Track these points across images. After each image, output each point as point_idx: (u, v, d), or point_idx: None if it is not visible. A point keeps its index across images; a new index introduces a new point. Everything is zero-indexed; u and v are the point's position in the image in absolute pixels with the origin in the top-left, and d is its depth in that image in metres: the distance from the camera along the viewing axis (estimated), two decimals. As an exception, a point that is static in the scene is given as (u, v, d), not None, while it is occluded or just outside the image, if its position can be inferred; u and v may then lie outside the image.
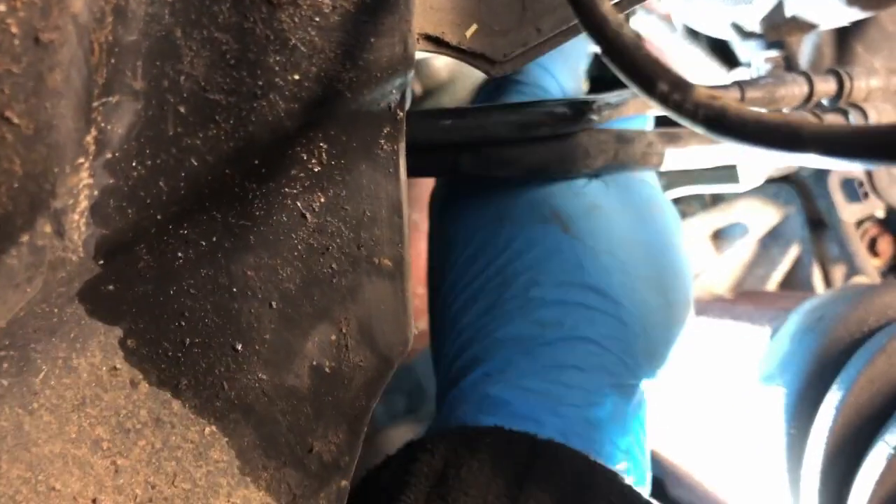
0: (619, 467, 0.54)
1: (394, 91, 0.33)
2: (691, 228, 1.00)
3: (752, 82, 0.75)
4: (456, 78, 1.01)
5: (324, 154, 0.34)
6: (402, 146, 0.34)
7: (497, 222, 0.58)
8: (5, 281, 0.30)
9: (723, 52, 1.01)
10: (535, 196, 0.59)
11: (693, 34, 1.03)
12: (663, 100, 0.27)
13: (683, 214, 1.04)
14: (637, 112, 0.68)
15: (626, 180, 0.62)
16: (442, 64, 1.02)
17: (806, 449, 0.64)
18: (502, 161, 0.58)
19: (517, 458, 0.47)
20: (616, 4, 0.47)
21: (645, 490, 0.57)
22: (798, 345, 0.69)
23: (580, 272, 0.56)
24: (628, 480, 0.48)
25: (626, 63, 0.27)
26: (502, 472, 0.46)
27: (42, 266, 0.30)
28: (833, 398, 0.63)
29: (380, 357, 0.36)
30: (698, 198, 1.05)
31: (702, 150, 0.70)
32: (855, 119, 0.81)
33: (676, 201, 1.04)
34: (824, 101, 0.81)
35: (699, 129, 0.26)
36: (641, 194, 0.63)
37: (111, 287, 0.33)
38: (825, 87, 0.76)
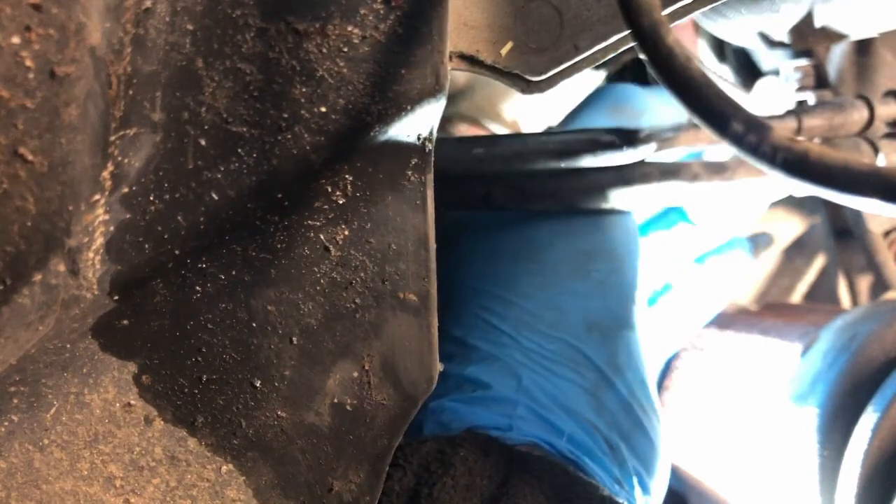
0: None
1: (423, 123, 0.32)
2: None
3: (809, 110, 0.72)
4: (475, 84, 0.99)
5: (349, 186, 0.32)
6: (431, 178, 0.33)
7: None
8: (17, 321, 0.28)
9: (747, 65, 0.99)
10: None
11: (719, 49, 1.00)
12: (737, 140, 0.25)
13: (707, 222, 1.02)
14: (688, 144, 0.65)
15: None
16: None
17: (840, 471, 0.62)
18: (537, 193, 0.55)
19: (494, 469, 0.46)
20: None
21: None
22: (831, 364, 0.67)
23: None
24: (605, 492, 0.47)
25: (695, 100, 0.26)
26: (476, 488, 0.45)
27: (55, 305, 0.28)
28: (868, 420, 0.61)
29: (403, 395, 0.35)
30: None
31: (751, 182, 0.66)
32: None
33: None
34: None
35: (777, 174, 0.25)
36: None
37: (126, 322, 0.32)
38: (886, 111, 0.72)
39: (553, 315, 0.55)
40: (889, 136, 0.73)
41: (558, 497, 0.46)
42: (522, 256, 0.57)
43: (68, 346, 0.31)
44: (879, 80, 0.91)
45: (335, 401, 0.34)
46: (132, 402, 0.33)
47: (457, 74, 0.99)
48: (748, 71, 0.95)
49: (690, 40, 0.98)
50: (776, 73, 0.90)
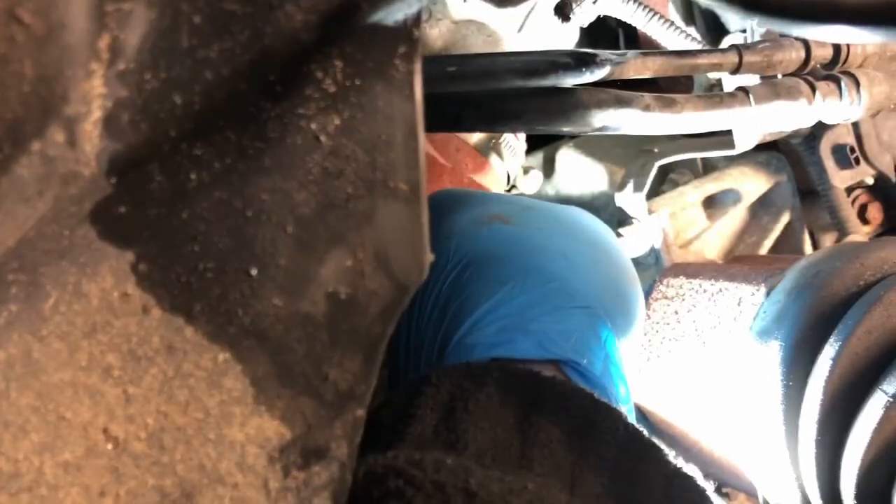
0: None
1: (410, 9, 0.33)
2: (683, 196, 1.00)
3: (750, 46, 0.76)
4: (450, 48, 1.01)
5: (339, 73, 0.33)
6: (419, 67, 0.34)
7: (446, 240, 0.61)
8: (16, 194, 0.29)
9: (715, 26, 1.01)
10: (474, 211, 0.62)
11: (687, 11, 1.02)
12: None
13: (675, 183, 1.04)
14: (637, 71, 0.68)
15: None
16: (437, 34, 1.01)
17: (803, 401, 0.64)
18: (505, 114, 0.58)
19: (524, 393, 0.47)
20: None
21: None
22: (794, 300, 0.69)
23: (526, 241, 0.59)
24: (630, 417, 0.48)
25: None
26: (510, 406, 0.46)
27: (53, 178, 0.29)
28: (830, 350, 0.64)
29: (396, 283, 0.36)
30: (690, 166, 1.05)
31: (698, 116, 0.70)
32: (847, 86, 0.81)
33: (668, 169, 1.04)
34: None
35: (739, 13, 0.26)
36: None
37: (123, 209, 0.32)
38: (822, 52, 0.76)
39: None
40: (826, 77, 0.77)
41: (584, 417, 0.46)
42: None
43: (66, 232, 0.32)
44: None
45: (329, 289, 0.35)
46: (129, 291, 0.34)
47: (434, 39, 1.00)
48: (717, 30, 0.97)
49: (661, 1, 1.00)
50: (743, 31, 0.93)
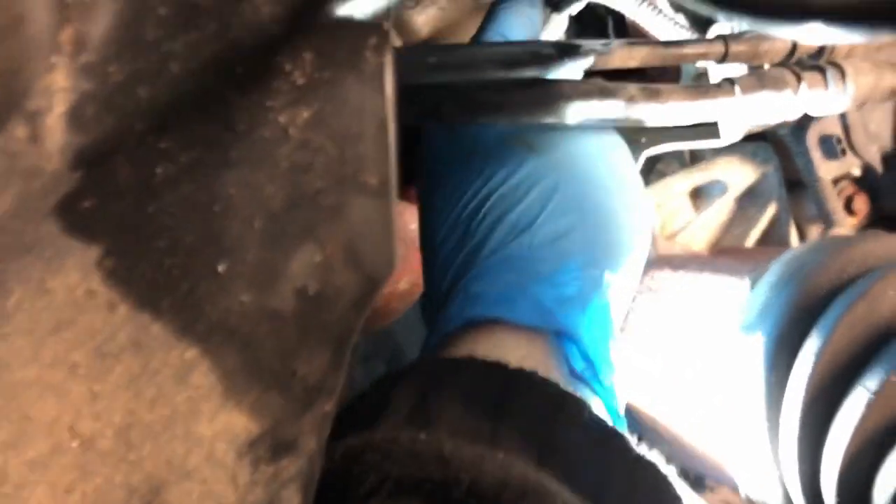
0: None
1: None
2: (670, 187, 1.00)
3: (737, 36, 0.75)
4: (438, 34, 1.00)
5: (308, 66, 0.32)
6: (390, 60, 0.33)
7: (469, 156, 0.62)
8: (-23, 189, 0.28)
9: (704, 16, 1.00)
10: (501, 130, 0.62)
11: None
12: None
13: (662, 173, 1.04)
14: (623, 61, 0.68)
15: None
16: (423, 21, 1.01)
17: (785, 396, 0.64)
18: (487, 106, 0.57)
19: (494, 383, 0.48)
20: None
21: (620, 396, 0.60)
22: (778, 293, 0.69)
23: (543, 179, 0.60)
24: (596, 407, 0.50)
25: None
26: (481, 395, 0.47)
27: (15, 174, 0.29)
28: (812, 345, 0.64)
29: (365, 278, 0.35)
30: (677, 156, 1.04)
31: (682, 106, 0.69)
32: (832, 77, 0.81)
33: (655, 159, 1.04)
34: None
35: (710, 10, 0.26)
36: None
37: (88, 203, 0.32)
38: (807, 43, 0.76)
39: None
40: (812, 67, 0.76)
41: (552, 406, 0.48)
42: None
43: (30, 227, 0.31)
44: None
45: (298, 285, 0.35)
46: (95, 287, 0.33)
47: (420, 27, 0.99)
48: (704, 20, 0.97)
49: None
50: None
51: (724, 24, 0.90)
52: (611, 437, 0.47)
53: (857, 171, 1.02)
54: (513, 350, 0.54)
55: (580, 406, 0.48)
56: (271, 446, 0.35)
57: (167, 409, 0.35)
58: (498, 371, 0.49)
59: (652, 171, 1.06)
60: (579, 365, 0.57)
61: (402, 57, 0.51)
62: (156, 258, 0.34)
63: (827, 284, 0.67)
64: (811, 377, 0.62)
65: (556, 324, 0.56)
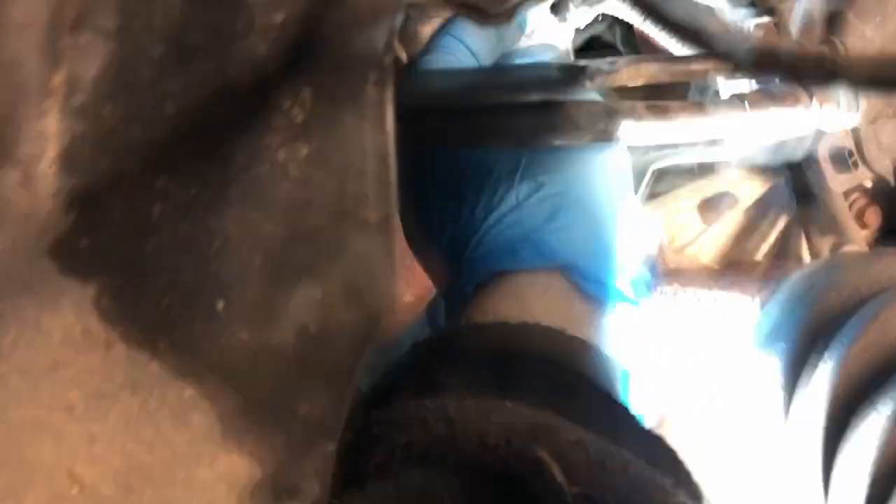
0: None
1: (381, 35, 0.32)
2: (678, 199, 0.99)
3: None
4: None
5: (307, 102, 0.32)
6: (391, 95, 0.33)
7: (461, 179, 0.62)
8: (-30, 236, 0.28)
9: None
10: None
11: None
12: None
13: (671, 184, 1.03)
14: (630, 79, 0.67)
15: None
16: (429, 31, 1.00)
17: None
18: (491, 129, 0.56)
19: (496, 342, 0.48)
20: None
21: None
22: (789, 314, 0.68)
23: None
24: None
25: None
26: (484, 356, 0.47)
27: (9, 219, 0.28)
28: (825, 369, 0.63)
29: (366, 315, 0.35)
30: (686, 167, 1.03)
31: (691, 123, 0.69)
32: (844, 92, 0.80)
33: (664, 170, 1.03)
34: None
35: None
36: None
37: (84, 243, 0.31)
38: (819, 55, 0.75)
39: None
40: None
41: (558, 351, 0.48)
42: None
43: (25, 267, 0.31)
44: (842, 37, 0.92)
45: (299, 323, 0.34)
46: (92, 326, 0.33)
47: (426, 36, 0.99)
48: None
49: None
50: (739, 32, 0.91)
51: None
52: (616, 378, 0.49)
53: (868, 184, 1.01)
54: (528, 291, 0.55)
55: (588, 350, 0.49)
56: (273, 491, 0.34)
57: (167, 451, 0.34)
58: (499, 329, 0.50)
59: (660, 181, 1.05)
60: (590, 288, 0.57)
61: (405, 81, 0.50)
62: (153, 296, 0.33)
63: (839, 305, 0.66)
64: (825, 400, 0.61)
65: (561, 260, 0.57)
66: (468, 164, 0.61)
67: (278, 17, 0.30)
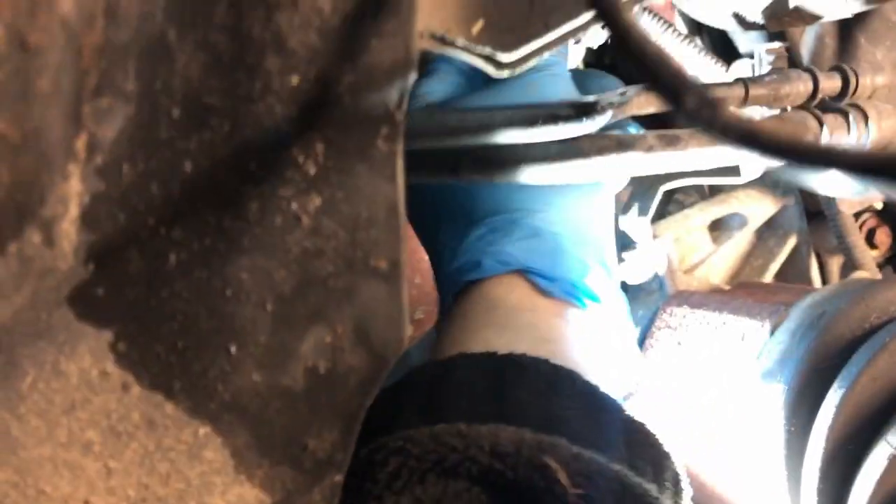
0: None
1: (394, 93, 0.33)
2: (688, 220, 0.99)
3: (757, 79, 0.74)
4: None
5: (320, 156, 0.33)
6: (401, 148, 0.34)
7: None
8: (-7, 292, 0.29)
9: (724, 44, 1.00)
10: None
11: (695, 26, 1.01)
12: (691, 116, 0.26)
13: (680, 204, 1.04)
14: (641, 108, 0.67)
15: None
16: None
17: (806, 448, 0.64)
18: (504, 164, 0.57)
19: (488, 371, 0.51)
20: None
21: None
22: (798, 341, 0.68)
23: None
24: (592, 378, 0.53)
25: (652, 74, 0.27)
26: (479, 384, 0.50)
27: (31, 275, 0.29)
28: (834, 397, 0.63)
29: (375, 357, 0.36)
30: (696, 188, 1.04)
31: (702, 152, 0.69)
32: (855, 120, 0.80)
33: (674, 191, 1.04)
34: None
35: (731, 145, 0.26)
36: None
37: (101, 291, 0.33)
38: (830, 84, 0.75)
39: None
40: (834, 110, 0.75)
41: (547, 382, 0.51)
42: None
43: (44, 315, 0.32)
44: (852, 62, 0.93)
45: (309, 364, 0.35)
46: (108, 369, 0.34)
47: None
48: (725, 51, 0.96)
49: (667, 15, 0.99)
50: (751, 57, 0.92)
51: (744, 62, 0.90)
52: (604, 400, 0.51)
53: (879, 205, 1.01)
54: (492, 294, 0.62)
55: (571, 377, 0.52)
56: (283, 520, 0.36)
57: (181, 483, 0.36)
58: (489, 360, 0.53)
59: (670, 201, 1.06)
60: (547, 285, 0.63)
61: (417, 117, 0.51)
62: (169, 340, 0.34)
63: (848, 334, 0.66)
64: (832, 431, 0.62)
65: (518, 263, 0.63)
66: (439, 193, 0.68)
67: (293, 80, 0.31)
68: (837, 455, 0.62)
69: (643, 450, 0.49)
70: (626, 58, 0.28)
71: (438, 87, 0.70)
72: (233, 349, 0.35)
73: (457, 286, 0.65)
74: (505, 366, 0.52)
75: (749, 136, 0.25)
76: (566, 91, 0.71)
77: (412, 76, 0.32)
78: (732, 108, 0.26)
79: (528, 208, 0.66)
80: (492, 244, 0.64)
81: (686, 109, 0.26)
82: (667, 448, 0.50)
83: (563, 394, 0.50)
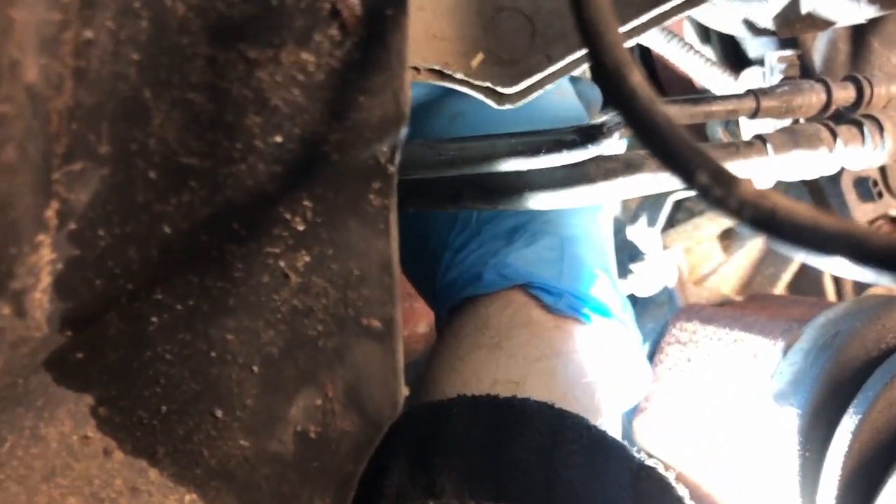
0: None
1: (385, 147, 0.31)
2: (699, 228, 0.97)
3: (768, 91, 0.72)
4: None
5: (308, 212, 0.31)
6: (394, 201, 0.32)
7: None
8: (-37, 362, 0.28)
9: (734, 51, 0.98)
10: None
11: (704, 33, 0.99)
12: (703, 192, 0.24)
13: (690, 211, 1.01)
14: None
15: None
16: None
17: (821, 474, 0.62)
18: (507, 192, 0.55)
19: (487, 418, 0.48)
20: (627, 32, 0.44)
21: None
22: (812, 363, 0.66)
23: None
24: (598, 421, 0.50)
25: (659, 146, 0.24)
26: (477, 434, 0.47)
27: (2, 345, 0.28)
28: (849, 423, 0.61)
29: (368, 421, 0.34)
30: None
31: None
32: (870, 130, 0.77)
33: (685, 199, 1.01)
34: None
35: (745, 227, 0.24)
36: None
37: (80, 355, 0.31)
38: (844, 94, 0.73)
39: None
40: (848, 121, 0.73)
41: (551, 430, 0.48)
42: None
43: (20, 381, 0.31)
44: (866, 68, 0.90)
45: (298, 429, 0.34)
46: (90, 434, 0.32)
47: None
48: (735, 58, 0.94)
49: (676, 24, 0.96)
50: (761, 64, 0.89)
51: (755, 71, 0.88)
52: (612, 448, 0.48)
53: (893, 212, 0.98)
54: (489, 312, 0.59)
55: (578, 425, 0.49)
56: None
57: (166, 549, 0.34)
58: (489, 404, 0.50)
59: (679, 209, 1.03)
60: (551, 300, 0.60)
61: (417, 151, 0.49)
62: (152, 404, 0.33)
63: (863, 355, 0.64)
64: (847, 457, 0.60)
65: (521, 278, 0.60)
66: None
67: (277, 139, 0.29)
68: (854, 481, 0.60)
69: (651, 500, 0.47)
70: (631, 126, 0.26)
71: (414, 89, 0.66)
72: (218, 413, 0.33)
73: (453, 300, 0.62)
74: (505, 413, 0.49)
75: (766, 221, 0.23)
76: (567, 105, 0.68)
77: (404, 130, 0.30)
78: (748, 185, 0.24)
79: (531, 211, 0.63)
80: (494, 254, 0.61)
81: (698, 184, 0.24)
82: (679, 491, 0.47)
83: (567, 448, 0.47)
